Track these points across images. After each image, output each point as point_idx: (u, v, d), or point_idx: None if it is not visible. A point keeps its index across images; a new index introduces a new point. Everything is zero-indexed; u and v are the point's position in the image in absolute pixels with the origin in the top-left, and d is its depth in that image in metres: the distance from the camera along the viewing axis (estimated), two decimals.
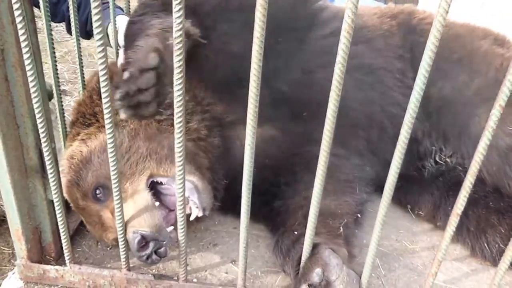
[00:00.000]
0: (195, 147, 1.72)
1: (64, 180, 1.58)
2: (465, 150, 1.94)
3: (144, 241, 1.39)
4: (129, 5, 2.12)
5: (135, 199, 1.50)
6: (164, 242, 1.43)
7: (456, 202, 1.27)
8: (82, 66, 1.86)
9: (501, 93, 1.09)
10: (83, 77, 1.89)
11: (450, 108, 1.98)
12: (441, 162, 2.06)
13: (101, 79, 1.09)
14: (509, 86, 1.07)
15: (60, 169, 1.61)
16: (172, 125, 1.70)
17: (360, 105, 1.95)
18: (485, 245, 1.78)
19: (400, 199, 2.12)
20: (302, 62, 1.85)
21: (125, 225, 1.44)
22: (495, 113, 1.12)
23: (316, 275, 1.30)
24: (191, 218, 1.53)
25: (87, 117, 1.72)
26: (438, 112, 2.01)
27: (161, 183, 1.59)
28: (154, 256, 1.41)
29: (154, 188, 1.58)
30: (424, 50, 2.32)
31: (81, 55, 1.82)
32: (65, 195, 1.62)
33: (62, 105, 1.72)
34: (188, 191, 1.48)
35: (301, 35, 1.84)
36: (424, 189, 2.06)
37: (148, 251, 1.39)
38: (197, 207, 1.51)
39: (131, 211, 1.48)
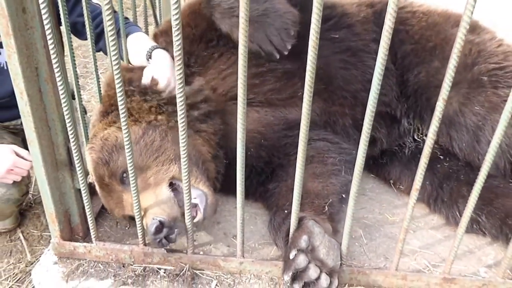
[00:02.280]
0: (206, 147, 1.97)
1: (94, 156, 1.81)
2: (439, 129, 2.11)
3: (160, 227, 1.61)
4: (136, 16, 2.35)
5: (157, 192, 1.74)
6: (176, 230, 1.66)
7: (415, 179, 1.48)
8: (96, 62, 2.04)
9: (443, 88, 1.29)
10: (98, 74, 2.08)
11: (424, 92, 2.17)
12: (418, 140, 2.28)
13: (117, 86, 1.34)
14: (448, 83, 1.27)
15: (90, 146, 1.86)
16: (194, 129, 1.96)
17: (345, 83, 2.16)
18: (457, 213, 2.01)
19: (384, 175, 2.37)
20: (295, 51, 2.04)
21: (141, 209, 1.70)
22: (440, 105, 1.32)
23: (303, 241, 1.53)
24: (194, 221, 1.74)
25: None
26: (415, 95, 2.21)
27: (179, 185, 1.80)
28: (164, 240, 1.64)
29: (172, 186, 1.79)
30: (403, 37, 2.53)
31: (95, 53, 1.99)
32: (90, 169, 1.85)
33: (82, 105, 1.95)
34: (198, 199, 1.72)
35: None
36: (404, 166, 2.29)
37: (161, 235, 1.62)
38: (201, 213, 1.73)
39: (153, 201, 1.71)
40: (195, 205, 1.74)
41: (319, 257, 1.55)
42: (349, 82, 2.16)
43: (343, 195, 1.98)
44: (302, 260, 1.51)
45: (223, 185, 2.08)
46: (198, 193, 1.74)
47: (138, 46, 2.14)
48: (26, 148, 2.94)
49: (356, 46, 2.18)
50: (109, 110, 1.96)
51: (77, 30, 2.64)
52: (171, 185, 1.77)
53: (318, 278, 1.51)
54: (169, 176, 1.77)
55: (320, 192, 1.90)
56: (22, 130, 2.89)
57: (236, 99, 2.07)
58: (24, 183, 2.73)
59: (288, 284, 1.54)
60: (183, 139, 1.42)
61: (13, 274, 2.61)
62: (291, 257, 1.54)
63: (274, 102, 2.11)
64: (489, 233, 1.95)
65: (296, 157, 2.06)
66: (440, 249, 1.92)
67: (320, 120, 2.15)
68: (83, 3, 1.72)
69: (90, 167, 1.85)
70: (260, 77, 2.07)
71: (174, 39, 1.22)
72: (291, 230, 1.61)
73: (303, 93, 2.03)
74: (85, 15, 1.75)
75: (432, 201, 2.12)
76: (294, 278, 1.53)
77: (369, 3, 2.36)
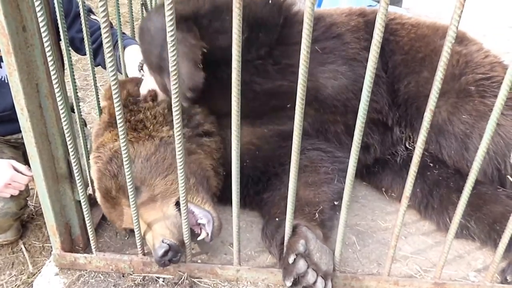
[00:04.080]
0: (209, 162, 2.02)
1: (101, 167, 1.84)
2: (428, 137, 2.16)
3: (168, 251, 1.66)
4: (134, 30, 2.40)
5: (164, 211, 1.77)
6: (180, 255, 1.72)
7: (405, 187, 1.55)
8: (95, 75, 2.06)
9: (430, 99, 1.35)
10: (96, 87, 2.12)
11: (415, 101, 2.23)
12: (410, 148, 2.34)
13: (115, 101, 1.39)
14: (435, 94, 1.33)
15: (96, 155, 1.88)
16: (198, 143, 2.01)
17: (336, 93, 2.19)
18: (447, 219, 2.07)
19: (376, 183, 2.42)
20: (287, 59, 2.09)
21: (146, 224, 1.76)
22: (427, 115, 1.39)
23: (301, 245, 1.58)
24: (198, 239, 1.80)
25: (132, 122, 1.92)
26: (405, 104, 2.27)
27: None
28: (167, 262, 1.68)
29: (178, 206, 1.77)
30: (393, 47, 2.58)
31: (94, 66, 2.00)
32: (94, 178, 1.87)
33: (82, 118, 2.00)
34: (205, 219, 1.76)
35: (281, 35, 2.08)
36: (396, 174, 2.35)
37: (166, 258, 1.67)
38: (207, 234, 1.77)
39: (160, 220, 1.75)
40: (199, 224, 1.79)
41: (314, 261, 1.61)
42: (339, 91, 2.20)
43: (335, 203, 2.03)
44: (302, 265, 1.56)
45: (220, 196, 2.12)
46: (205, 214, 1.78)
47: (135, 58, 2.21)
48: (26, 162, 2.99)
49: (346, 55, 2.22)
50: (114, 121, 1.93)
51: (75, 46, 2.71)
52: (177, 205, 1.79)
53: (315, 282, 1.56)
54: (176, 196, 1.79)
55: (311, 200, 1.95)
56: (23, 143, 2.94)
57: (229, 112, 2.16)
58: (23, 197, 2.76)
59: None
60: (179, 148, 1.47)
61: (15, 286, 2.64)
62: (290, 261, 1.58)
63: (264, 114, 2.16)
64: (478, 238, 2.01)
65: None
66: (431, 255, 1.97)
67: (312, 128, 2.20)
68: (82, 19, 1.78)
69: (94, 176, 1.88)
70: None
71: (170, 53, 1.27)
72: (286, 237, 1.66)
73: (292, 106, 2.10)
74: (84, 30, 1.81)
75: (423, 208, 2.18)
76: (294, 283, 1.58)
77: (360, 13, 2.40)
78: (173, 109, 1.37)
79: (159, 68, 1.75)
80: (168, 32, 1.23)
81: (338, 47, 2.22)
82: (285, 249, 1.67)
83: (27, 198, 2.92)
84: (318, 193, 1.99)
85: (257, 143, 2.17)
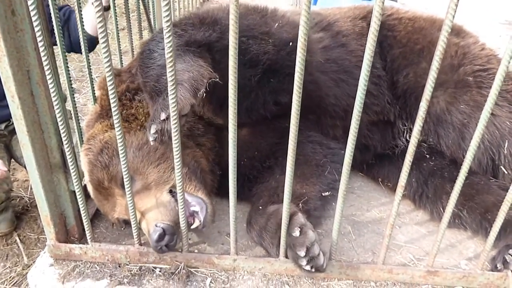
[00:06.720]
0: (204, 160, 2.01)
1: (92, 158, 1.83)
2: (426, 127, 2.21)
3: (163, 235, 1.65)
4: (130, 22, 2.38)
5: (158, 197, 1.78)
6: (175, 237, 1.71)
7: (400, 177, 1.55)
8: (90, 66, 2.07)
9: (426, 89, 1.36)
10: (91, 77, 2.10)
11: (413, 92, 2.25)
12: (409, 139, 2.36)
13: (109, 89, 1.38)
14: (431, 84, 1.34)
15: (87, 147, 1.86)
16: (195, 142, 2.01)
17: (337, 100, 2.20)
18: (441, 209, 2.09)
19: (373, 173, 2.44)
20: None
21: (140, 212, 1.75)
22: (423, 105, 1.39)
23: (301, 218, 1.62)
24: (191, 227, 1.78)
25: (124, 115, 1.92)
26: (404, 95, 2.29)
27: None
28: (164, 248, 1.69)
29: (172, 194, 1.80)
30: (391, 42, 2.59)
31: (88, 57, 2.02)
32: (85, 170, 1.85)
33: (76, 108, 1.96)
34: (198, 207, 1.76)
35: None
36: (393, 164, 2.37)
37: (163, 243, 1.66)
38: (200, 221, 1.77)
39: (153, 206, 1.75)
40: (193, 213, 1.78)
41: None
42: (340, 98, 2.20)
43: (323, 194, 2.05)
44: (312, 234, 1.58)
45: (216, 193, 2.12)
46: (198, 201, 1.78)
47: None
48: (9, 155, 2.95)
49: (349, 64, 2.21)
50: (109, 112, 1.93)
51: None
52: (170, 192, 1.80)
53: (318, 254, 1.59)
54: (169, 184, 1.80)
55: (295, 191, 1.94)
56: (5, 135, 2.90)
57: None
58: (2, 190, 2.72)
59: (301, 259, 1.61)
60: (176, 140, 1.47)
61: (10, 277, 2.63)
62: (296, 234, 1.59)
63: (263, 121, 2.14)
64: (469, 227, 2.04)
65: (283, 159, 2.12)
66: (424, 244, 2.01)
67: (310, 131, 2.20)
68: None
69: (85, 168, 1.87)
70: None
71: (166, 44, 1.26)
72: (284, 224, 1.62)
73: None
74: (77, 18, 1.78)
75: (418, 197, 2.21)
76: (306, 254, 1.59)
77: (363, 16, 2.41)
78: (170, 101, 1.36)
79: (156, 92, 1.64)
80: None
81: (342, 56, 2.21)
82: (282, 230, 1.64)
83: (9, 192, 2.88)
84: (306, 184, 2.00)
85: (256, 143, 2.16)
